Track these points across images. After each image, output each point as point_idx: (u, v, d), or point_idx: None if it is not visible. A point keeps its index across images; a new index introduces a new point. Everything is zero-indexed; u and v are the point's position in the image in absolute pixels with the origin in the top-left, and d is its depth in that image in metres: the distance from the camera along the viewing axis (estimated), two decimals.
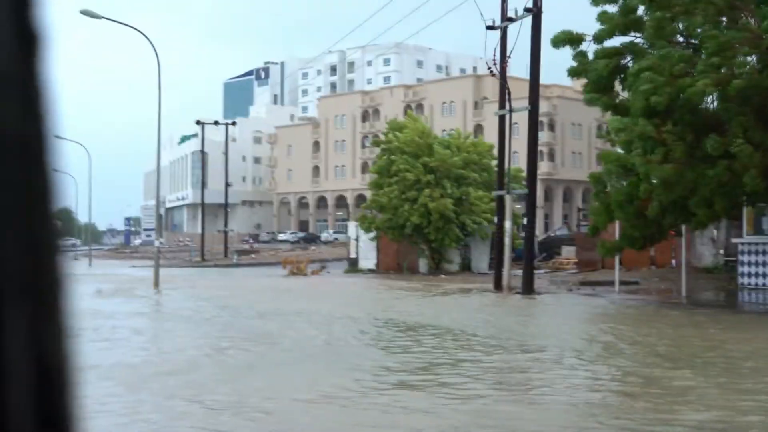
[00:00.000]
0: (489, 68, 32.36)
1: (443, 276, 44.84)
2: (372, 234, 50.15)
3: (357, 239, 52.48)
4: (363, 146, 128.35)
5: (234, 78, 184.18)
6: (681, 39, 22.25)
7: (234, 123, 78.71)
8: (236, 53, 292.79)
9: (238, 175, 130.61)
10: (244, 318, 23.07)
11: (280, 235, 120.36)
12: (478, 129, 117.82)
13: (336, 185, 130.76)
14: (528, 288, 30.43)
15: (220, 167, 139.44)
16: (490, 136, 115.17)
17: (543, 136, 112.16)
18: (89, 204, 74.65)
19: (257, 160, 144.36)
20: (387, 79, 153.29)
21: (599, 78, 23.13)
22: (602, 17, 23.12)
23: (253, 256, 71.19)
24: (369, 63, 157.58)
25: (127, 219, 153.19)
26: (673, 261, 40.60)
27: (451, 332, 19.11)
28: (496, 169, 50.18)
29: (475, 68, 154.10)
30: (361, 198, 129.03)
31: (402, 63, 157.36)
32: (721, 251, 39.23)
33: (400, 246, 49.61)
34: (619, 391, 12.07)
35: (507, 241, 31.49)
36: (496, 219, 33.84)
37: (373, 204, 48.03)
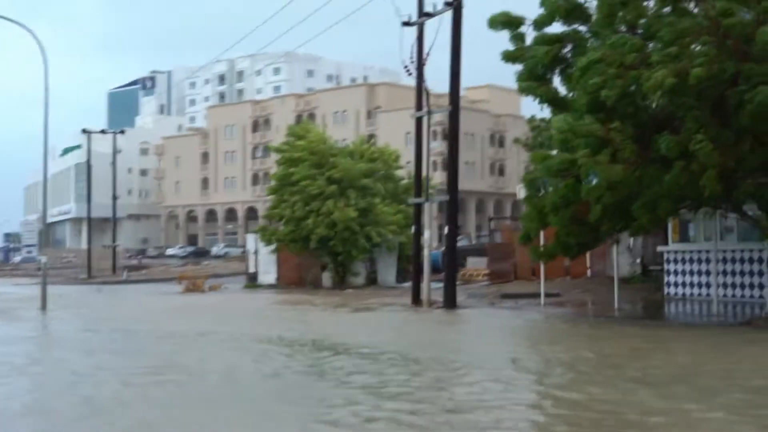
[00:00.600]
0: (405, 67, 30.24)
1: (350, 290, 42.50)
2: (272, 247, 47.53)
3: (256, 253, 49.73)
4: (254, 157, 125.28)
5: (119, 87, 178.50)
6: (624, 29, 20.41)
7: (122, 131, 75.14)
8: (120, 63, 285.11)
9: (124, 188, 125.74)
10: (146, 343, 20.29)
11: (169, 249, 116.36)
12: (371, 138, 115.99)
13: (226, 197, 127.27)
14: (450, 302, 28.34)
15: (106, 179, 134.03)
16: (382, 145, 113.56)
17: (436, 146, 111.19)
18: None
19: (144, 172, 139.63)
20: (277, 88, 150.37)
21: (537, 65, 21.17)
22: (544, 1, 21.18)
23: (144, 272, 67.59)
24: (258, 72, 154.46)
25: (6, 235, 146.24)
26: (588, 271, 39.14)
27: (388, 354, 16.79)
28: (402, 179, 48.49)
29: (366, 77, 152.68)
30: (252, 211, 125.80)
31: (292, 72, 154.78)
32: (638, 260, 37.90)
33: (302, 259, 47.11)
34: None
35: (426, 252, 29.36)
36: (413, 228, 31.65)
37: (274, 215, 45.39)
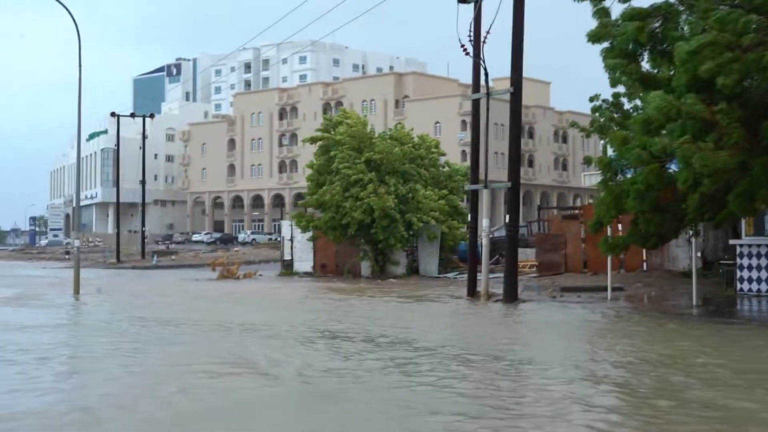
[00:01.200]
0: (462, 46, 28.08)
1: (392, 280, 40.49)
2: (309, 234, 45.59)
3: (291, 240, 47.77)
4: (280, 144, 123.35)
5: (144, 74, 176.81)
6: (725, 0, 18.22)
7: (152, 116, 73.09)
8: (146, 52, 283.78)
9: (150, 174, 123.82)
10: (200, 335, 18.32)
11: (195, 235, 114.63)
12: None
13: (252, 185, 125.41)
14: (511, 295, 26.23)
15: (132, 165, 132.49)
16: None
17: (466, 135, 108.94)
18: None
19: (169, 158, 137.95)
20: (303, 77, 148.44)
21: (627, 42, 19.00)
22: None
23: (173, 257, 65.73)
24: (284, 61, 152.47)
25: (32, 219, 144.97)
26: (644, 264, 36.99)
27: (470, 354, 14.79)
28: (443, 166, 46.35)
29: (391, 67, 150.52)
30: (278, 198, 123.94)
31: (318, 61, 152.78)
32: (698, 254, 35.68)
33: (340, 247, 45.13)
34: None
35: (485, 241, 27.26)
36: (469, 217, 29.53)
37: (313, 201, 43.34)
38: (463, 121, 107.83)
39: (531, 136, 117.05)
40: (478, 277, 28.41)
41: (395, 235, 41.35)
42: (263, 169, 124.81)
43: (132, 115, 71.38)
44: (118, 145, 68.39)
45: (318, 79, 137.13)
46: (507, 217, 27.08)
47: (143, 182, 70.35)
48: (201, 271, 52.69)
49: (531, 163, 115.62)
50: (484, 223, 27.23)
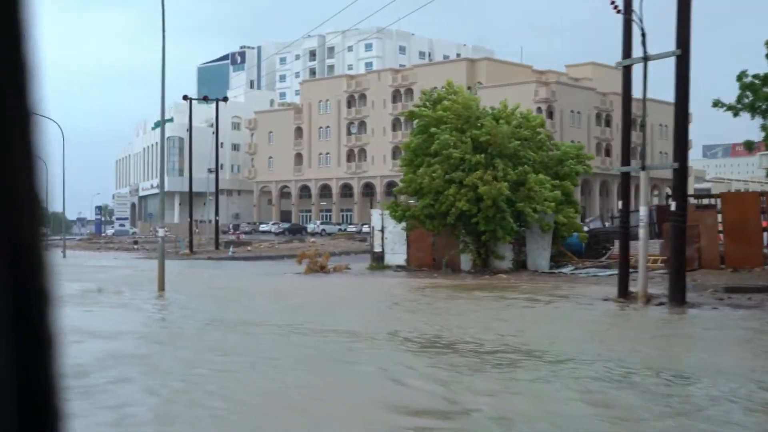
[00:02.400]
0: (612, 2, 23.58)
1: (502, 276, 36.11)
2: (402, 224, 41.42)
3: (382, 230, 43.58)
4: (349, 133, 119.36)
5: (208, 62, 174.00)
6: None
7: (225, 99, 69.37)
8: (211, 40, 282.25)
9: (209, 165, 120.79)
10: (329, 347, 14.17)
11: (262, 225, 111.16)
12: None
13: (320, 174, 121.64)
14: (678, 298, 21.72)
15: (198, 153, 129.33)
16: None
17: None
18: (63, 190, 64.79)
19: (235, 147, 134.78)
20: (369, 64, 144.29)
21: None
22: None
23: (248, 248, 61.97)
24: (350, 48, 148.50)
25: (98, 208, 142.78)
26: None
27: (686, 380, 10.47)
28: (552, 148, 41.77)
29: (458, 55, 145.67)
30: (346, 187, 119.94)
31: (384, 48, 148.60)
32: None
33: (437, 239, 40.89)
34: None
35: (643, 233, 22.75)
36: (620, 204, 25.02)
37: (409, 188, 39.02)
38: (539, 109, 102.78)
39: (608, 124, 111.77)
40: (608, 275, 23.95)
41: (504, 226, 36.91)
42: (331, 158, 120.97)
43: (205, 99, 67.83)
44: (190, 129, 64.92)
45: (384, 66, 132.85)
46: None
47: (216, 170, 67.01)
48: (281, 264, 48.87)
49: (608, 152, 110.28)
50: (642, 211, 22.76)
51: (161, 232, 28.65)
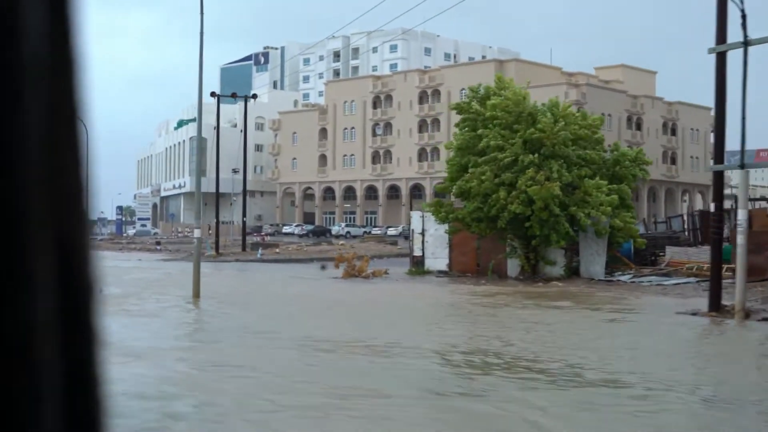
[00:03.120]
0: None
1: (558, 283, 33.57)
2: (443, 227, 38.99)
3: (423, 233, 41.07)
4: (374, 134, 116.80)
5: (232, 63, 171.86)
6: None
7: (254, 96, 67.11)
8: (235, 41, 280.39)
9: (239, 163, 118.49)
10: (413, 372, 11.66)
11: (285, 227, 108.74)
12: None
13: (344, 175, 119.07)
14: None
15: (222, 154, 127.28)
16: None
17: None
18: (86, 188, 62.08)
19: (258, 148, 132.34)
20: (393, 66, 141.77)
21: None
22: None
23: (276, 250, 59.56)
24: (374, 49, 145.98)
25: (119, 208, 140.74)
26: None
27: None
28: (608, 150, 39.08)
29: (484, 57, 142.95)
30: (371, 189, 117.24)
31: (409, 50, 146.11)
32: None
33: (483, 242, 38.41)
34: None
35: (740, 239, 20.14)
36: (712, 206, 22.36)
37: (458, 188, 36.47)
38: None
39: (639, 127, 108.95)
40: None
41: (558, 230, 34.32)
42: (356, 160, 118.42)
43: (233, 95, 65.41)
44: (218, 127, 62.65)
45: (409, 68, 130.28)
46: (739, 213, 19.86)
47: (244, 169, 64.63)
48: (313, 267, 46.44)
49: None
50: (740, 215, 20.16)
51: (197, 233, 26.19)
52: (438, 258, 40.45)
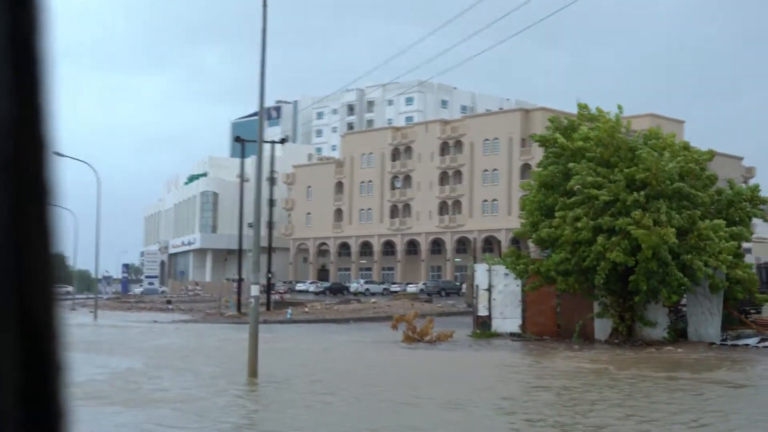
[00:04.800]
0: None
1: (670, 348, 27.35)
2: (517, 283, 32.92)
3: (489, 289, 34.86)
4: (393, 187, 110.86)
5: (242, 118, 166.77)
6: None
7: (283, 141, 61.29)
8: (246, 100, 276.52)
9: (250, 219, 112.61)
10: None
11: (299, 284, 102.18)
12: (526, 169, 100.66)
13: (361, 230, 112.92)
14: None
15: (232, 209, 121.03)
16: None
17: None
18: (96, 241, 55.72)
19: (271, 203, 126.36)
20: (409, 118, 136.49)
21: None
22: None
23: (306, 309, 53.23)
24: (390, 102, 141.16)
25: (125, 266, 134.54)
26: None
27: None
28: (723, 189, 32.88)
29: (501, 108, 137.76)
30: (388, 245, 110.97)
31: (425, 102, 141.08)
32: None
33: (564, 300, 32.27)
34: None
35: None
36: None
37: (545, 234, 30.28)
38: None
39: None
40: None
41: (669, 283, 28.15)
42: (373, 214, 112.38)
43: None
44: (242, 174, 57.56)
45: (425, 120, 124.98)
46: None
47: (270, 219, 58.65)
48: (353, 330, 40.29)
49: None
50: None
51: (255, 291, 20.06)
52: (508, 318, 34.25)
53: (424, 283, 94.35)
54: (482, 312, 35.15)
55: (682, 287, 28.46)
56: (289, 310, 49.15)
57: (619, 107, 32.03)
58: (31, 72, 0.78)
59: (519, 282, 33.42)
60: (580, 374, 20.77)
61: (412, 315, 32.33)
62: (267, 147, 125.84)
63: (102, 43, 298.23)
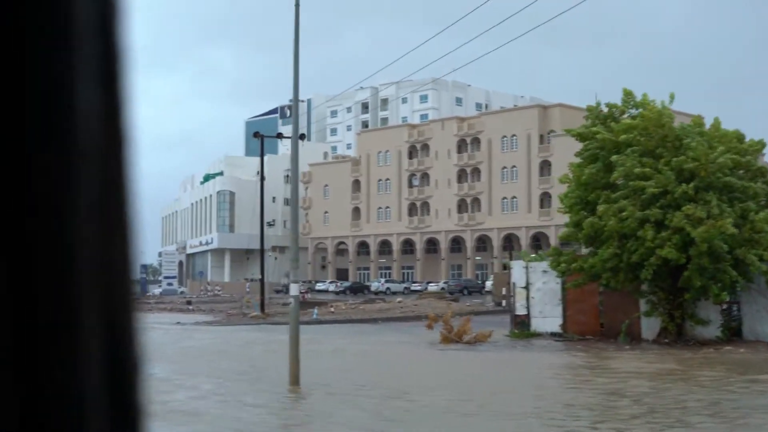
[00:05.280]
0: None
1: (729, 348, 25.65)
2: (556, 280, 31.32)
3: (527, 287, 33.25)
4: (410, 185, 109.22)
5: (257, 116, 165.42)
6: None
7: (302, 136, 59.47)
8: (261, 100, 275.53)
9: (267, 218, 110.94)
10: None
11: (318, 284, 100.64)
12: (545, 165, 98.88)
13: (379, 229, 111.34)
14: None
15: (248, 208, 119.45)
16: (559, 173, 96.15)
17: None
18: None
19: (287, 202, 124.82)
20: (424, 116, 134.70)
21: None
22: None
23: (331, 309, 51.64)
24: (404, 100, 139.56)
25: (143, 267, 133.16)
26: None
27: None
28: None
29: (515, 105, 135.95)
30: (408, 243, 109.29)
31: (440, 100, 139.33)
32: None
33: (607, 297, 30.65)
34: None
35: None
36: None
37: (589, 227, 28.59)
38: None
39: None
40: None
41: (720, 280, 26.49)
42: (391, 212, 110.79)
43: (279, 136, 58.17)
44: (262, 170, 55.47)
45: (440, 117, 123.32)
46: None
47: (294, 216, 56.67)
48: (385, 328, 38.75)
49: None
50: None
51: (293, 290, 18.61)
52: (547, 317, 32.61)
53: (445, 282, 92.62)
54: (520, 311, 33.53)
55: (735, 283, 26.79)
56: (315, 311, 47.54)
57: (671, 96, 30.40)
58: (115, 63, 0.81)
59: (559, 279, 31.81)
60: (648, 376, 19.15)
61: (449, 314, 30.72)
62: (282, 146, 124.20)
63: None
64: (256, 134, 54.88)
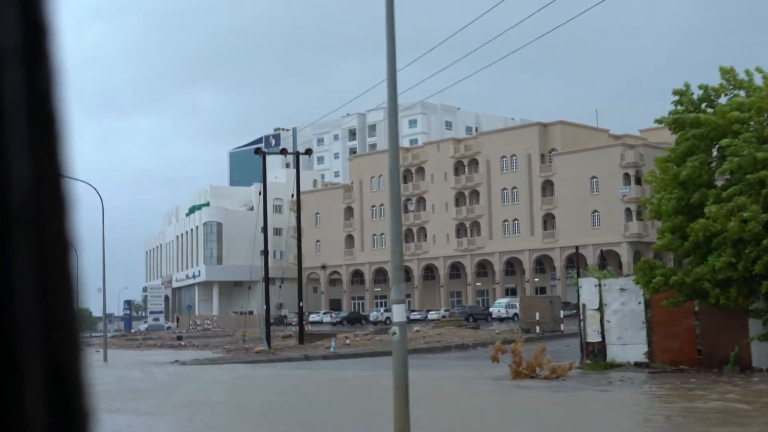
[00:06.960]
0: None
1: None
2: (640, 300, 25.69)
3: (601, 309, 27.59)
4: (406, 210, 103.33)
5: (241, 147, 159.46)
6: None
7: (309, 152, 54.20)
8: (243, 133, 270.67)
9: (258, 248, 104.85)
10: None
11: (312, 315, 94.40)
12: (547, 185, 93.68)
13: (374, 257, 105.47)
14: None
15: (237, 239, 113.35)
16: (562, 193, 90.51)
17: (630, 191, 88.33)
18: (103, 277, 47.64)
19: (277, 231, 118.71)
20: (414, 141, 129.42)
21: None
22: None
23: (347, 342, 45.63)
24: None
25: (127, 302, 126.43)
26: None
27: None
28: None
29: (513, 123, 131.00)
30: (404, 270, 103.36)
31: (429, 124, 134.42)
32: None
33: (707, 319, 25.03)
34: None
35: None
36: None
37: (700, 230, 22.93)
38: (626, 175, 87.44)
39: None
40: None
41: None
42: (386, 239, 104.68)
43: (283, 152, 53.00)
44: (264, 192, 50.50)
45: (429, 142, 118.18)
46: None
47: (298, 242, 51.63)
48: (418, 362, 32.79)
49: None
50: None
51: (399, 313, 12.78)
52: (628, 344, 26.94)
53: (446, 310, 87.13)
54: (593, 338, 27.83)
55: None
56: (333, 343, 41.65)
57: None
58: (50, 129, 0.79)
59: (641, 299, 26.23)
60: None
61: (518, 345, 24.95)
62: (276, 170, 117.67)
63: (100, 83, 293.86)
64: (257, 151, 49.31)
